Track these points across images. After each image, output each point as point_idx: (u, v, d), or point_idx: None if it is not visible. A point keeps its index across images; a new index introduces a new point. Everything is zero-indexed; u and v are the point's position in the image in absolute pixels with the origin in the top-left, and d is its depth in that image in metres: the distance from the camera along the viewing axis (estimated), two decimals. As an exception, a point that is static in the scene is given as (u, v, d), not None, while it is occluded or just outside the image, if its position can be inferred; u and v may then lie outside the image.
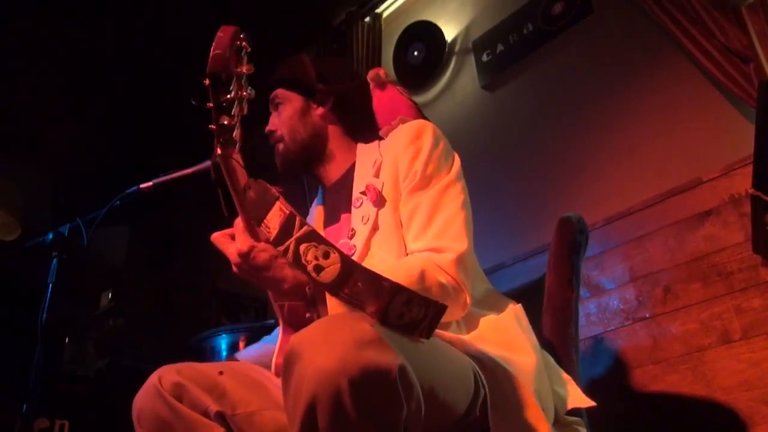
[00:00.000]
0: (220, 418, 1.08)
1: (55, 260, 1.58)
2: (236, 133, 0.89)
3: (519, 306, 1.21)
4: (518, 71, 2.77)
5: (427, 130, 1.23)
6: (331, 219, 1.34)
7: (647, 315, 2.02)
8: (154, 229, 3.64)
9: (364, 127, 1.38)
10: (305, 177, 1.39)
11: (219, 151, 0.90)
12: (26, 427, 1.41)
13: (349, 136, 1.37)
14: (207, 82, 0.86)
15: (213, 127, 0.89)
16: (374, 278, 0.78)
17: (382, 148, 1.28)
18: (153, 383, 1.09)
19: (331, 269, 0.80)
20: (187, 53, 3.56)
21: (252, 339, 2.35)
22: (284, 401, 0.81)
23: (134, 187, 1.59)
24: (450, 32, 3.12)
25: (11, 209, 3.24)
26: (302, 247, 0.82)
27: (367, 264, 1.17)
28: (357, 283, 0.78)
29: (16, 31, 3.27)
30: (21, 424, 1.44)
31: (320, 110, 1.35)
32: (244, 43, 0.88)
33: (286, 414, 0.81)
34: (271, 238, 0.86)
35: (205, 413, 1.08)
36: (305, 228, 0.83)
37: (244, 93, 0.89)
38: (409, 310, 0.78)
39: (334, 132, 1.36)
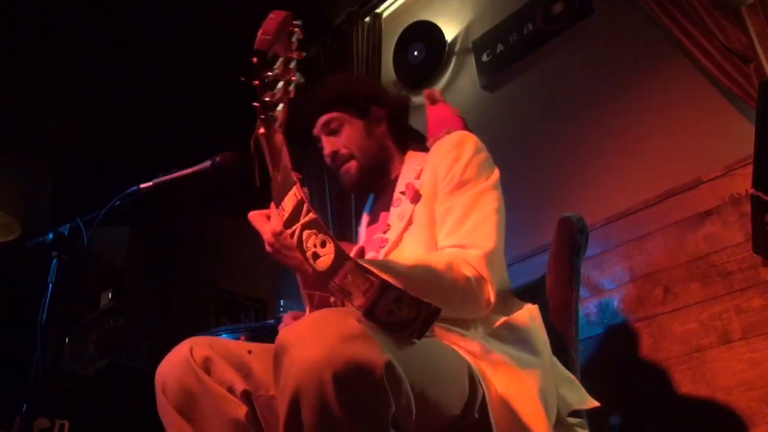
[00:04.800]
0: (245, 397, 1.09)
1: (55, 260, 1.57)
2: (279, 114, 0.93)
3: (535, 306, 1.23)
4: (518, 71, 2.77)
5: (469, 139, 1.30)
6: (372, 220, 1.42)
7: (647, 315, 2.02)
8: (154, 229, 3.64)
9: (410, 139, 1.47)
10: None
11: (262, 130, 0.94)
12: (26, 427, 1.40)
13: (399, 148, 1.45)
14: (254, 59, 0.89)
15: (256, 104, 0.92)
16: (364, 273, 0.79)
17: (427, 156, 1.35)
18: (184, 354, 1.09)
19: (326, 258, 0.81)
20: (188, 53, 3.57)
21: (252, 339, 2.35)
22: (276, 395, 0.81)
23: (134, 187, 1.59)
24: (450, 32, 3.12)
25: (11, 209, 3.24)
26: (305, 234, 0.85)
27: (396, 255, 1.21)
28: (347, 275, 0.79)
29: (16, 31, 3.27)
30: (21, 424, 1.44)
31: (380, 128, 1.44)
32: (296, 29, 0.92)
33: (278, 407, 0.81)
34: (284, 221, 0.90)
35: (231, 390, 1.09)
36: (310, 215, 0.86)
37: (293, 77, 0.92)
38: (399, 309, 0.79)
39: (391, 146, 1.45)
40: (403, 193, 1.30)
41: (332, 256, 0.81)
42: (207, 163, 1.57)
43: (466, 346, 1.05)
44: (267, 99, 0.90)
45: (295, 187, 0.90)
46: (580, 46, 2.57)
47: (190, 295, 3.52)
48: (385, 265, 0.99)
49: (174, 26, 3.37)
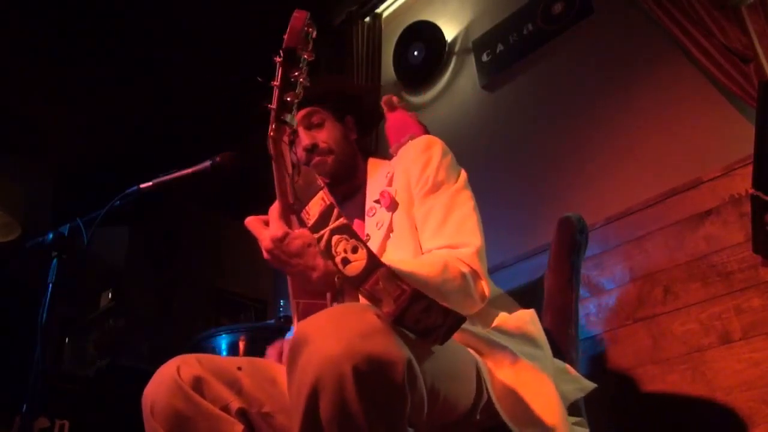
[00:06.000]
0: (241, 414, 1.07)
1: (55, 260, 1.57)
2: (294, 116, 0.93)
3: (532, 310, 1.23)
4: (518, 71, 2.77)
5: (436, 143, 1.31)
6: None
7: (647, 315, 2.02)
8: (154, 229, 3.64)
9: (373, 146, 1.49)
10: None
11: (272, 132, 0.93)
12: (26, 427, 1.40)
13: (364, 155, 1.47)
14: (278, 58, 0.88)
15: (273, 106, 0.91)
16: (397, 281, 0.78)
17: (393, 163, 1.35)
18: (171, 375, 1.07)
19: (357, 264, 0.81)
20: (188, 54, 3.57)
21: (252, 339, 2.35)
22: (288, 389, 0.80)
23: (134, 187, 1.59)
24: (450, 32, 3.12)
25: (11, 209, 3.24)
26: (335, 239, 0.84)
27: None
28: (378, 282, 0.79)
29: (16, 31, 3.27)
30: (21, 424, 1.44)
31: (353, 136, 1.45)
32: (312, 29, 0.91)
33: (290, 402, 0.80)
34: (309, 225, 0.89)
35: (226, 409, 1.07)
36: (341, 220, 0.85)
37: (303, 79, 0.91)
38: (427, 317, 0.78)
39: (359, 155, 1.46)
40: (377, 201, 1.29)
41: (364, 261, 0.80)
42: (207, 163, 1.56)
43: (473, 343, 1.05)
44: (288, 99, 0.89)
45: (322, 192, 0.89)
46: (580, 46, 2.57)
47: (190, 295, 3.52)
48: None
49: (174, 26, 3.38)
